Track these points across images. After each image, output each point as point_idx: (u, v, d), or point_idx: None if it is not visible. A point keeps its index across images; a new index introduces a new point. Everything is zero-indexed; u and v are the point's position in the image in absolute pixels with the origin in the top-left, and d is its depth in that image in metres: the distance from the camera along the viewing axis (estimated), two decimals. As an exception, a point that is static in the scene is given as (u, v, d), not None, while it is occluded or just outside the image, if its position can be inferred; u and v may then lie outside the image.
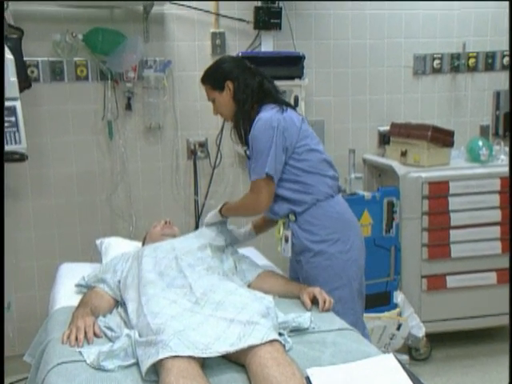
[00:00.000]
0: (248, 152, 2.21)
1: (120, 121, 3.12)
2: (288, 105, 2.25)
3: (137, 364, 1.59)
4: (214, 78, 2.25)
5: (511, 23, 2.92)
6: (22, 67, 2.70)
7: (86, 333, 1.75)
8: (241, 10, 3.20)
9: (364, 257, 2.28)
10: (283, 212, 2.23)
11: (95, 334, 1.77)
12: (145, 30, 3.07)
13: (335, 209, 2.22)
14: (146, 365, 1.52)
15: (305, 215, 2.20)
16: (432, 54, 3.49)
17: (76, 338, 1.73)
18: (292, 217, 2.22)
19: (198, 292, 1.85)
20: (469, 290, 3.08)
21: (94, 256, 2.83)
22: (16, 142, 2.51)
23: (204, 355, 1.54)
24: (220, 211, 2.36)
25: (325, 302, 2.00)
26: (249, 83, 2.20)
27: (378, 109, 3.50)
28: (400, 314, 2.92)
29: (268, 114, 2.13)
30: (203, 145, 3.26)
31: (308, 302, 2.01)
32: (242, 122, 2.22)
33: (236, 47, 3.20)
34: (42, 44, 2.95)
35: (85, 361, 1.62)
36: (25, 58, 2.80)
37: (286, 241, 2.26)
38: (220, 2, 3.17)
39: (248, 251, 2.62)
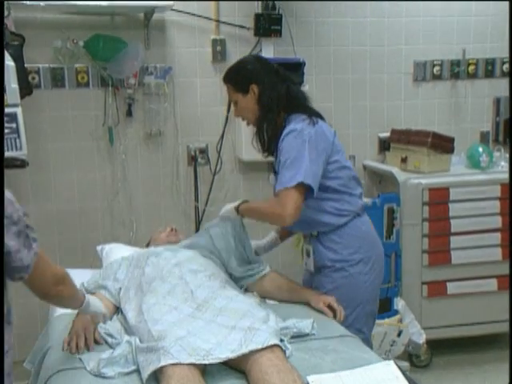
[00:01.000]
0: (274, 165, 2.09)
1: (121, 127, 3.13)
2: (318, 115, 2.11)
3: (137, 371, 1.59)
4: (237, 79, 2.11)
5: (511, 23, 2.92)
6: (23, 74, 2.71)
7: (86, 339, 1.75)
8: (241, 16, 3.21)
9: (382, 278, 2.20)
10: (307, 231, 2.16)
11: (95, 341, 1.76)
12: (146, 37, 3.08)
13: (361, 229, 2.12)
14: (146, 371, 1.52)
15: (330, 234, 2.10)
16: (432, 60, 3.50)
17: (76, 345, 1.73)
18: (314, 232, 2.14)
19: (199, 298, 1.85)
20: (469, 296, 3.08)
21: (95, 262, 2.83)
22: (17, 149, 2.52)
23: (205, 362, 1.54)
24: (237, 208, 2.19)
25: (338, 312, 2.01)
26: (275, 88, 2.06)
27: (379, 115, 3.51)
28: (401, 321, 2.91)
29: (298, 126, 1.99)
30: (204, 151, 3.27)
31: (328, 312, 2.00)
32: (267, 129, 2.08)
33: (237, 54, 3.20)
34: (43, 50, 2.96)
35: (85, 368, 1.62)
36: (26, 65, 2.81)
37: (308, 255, 2.18)
38: (220, 9, 3.18)
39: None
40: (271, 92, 2.05)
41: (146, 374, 1.52)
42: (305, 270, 2.26)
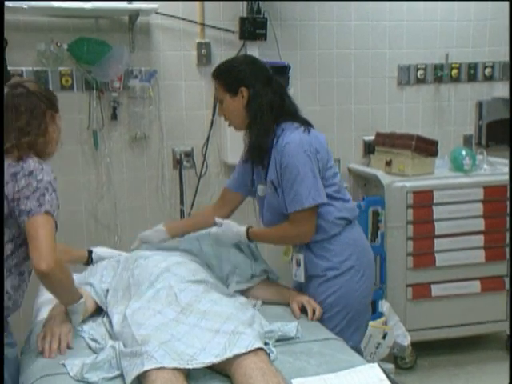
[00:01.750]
0: (273, 180, 2.03)
1: (105, 131, 3.11)
2: (308, 124, 2.07)
3: (121, 376, 1.58)
4: (227, 79, 2.03)
5: (511, 23, 2.94)
6: (5, 76, 2.69)
7: (60, 341, 1.73)
8: (226, 20, 3.21)
9: (373, 286, 2.18)
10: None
11: (68, 346, 1.74)
12: (130, 40, 3.08)
13: (353, 236, 2.10)
14: (130, 376, 1.51)
15: (321, 241, 2.07)
16: (416, 64, 3.52)
17: (50, 347, 1.70)
18: None
19: (183, 302, 1.84)
20: (453, 298, 3.10)
21: (79, 266, 2.80)
22: (-1, 152, 2.50)
23: (189, 366, 1.53)
24: (247, 233, 2.11)
25: (314, 312, 2.00)
26: (266, 96, 1.99)
27: (363, 118, 3.53)
28: (385, 323, 2.92)
29: (295, 137, 1.96)
30: (189, 154, 3.26)
31: (297, 311, 2.00)
32: (257, 136, 2.01)
33: (222, 57, 3.18)
34: (26, 53, 2.94)
35: (68, 373, 1.60)
36: (9, 68, 2.79)
37: (298, 265, 2.12)
38: (206, 13, 3.18)
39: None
40: (261, 99, 1.99)
41: (129, 378, 1.51)
42: (294, 280, 2.19)
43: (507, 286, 3.12)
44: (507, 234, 3.10)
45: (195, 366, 1.54)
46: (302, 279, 2.11)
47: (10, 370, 1.71)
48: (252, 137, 2.03)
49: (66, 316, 1.81)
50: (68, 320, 1.80)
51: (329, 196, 2.02)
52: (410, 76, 3.53)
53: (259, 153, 2.04)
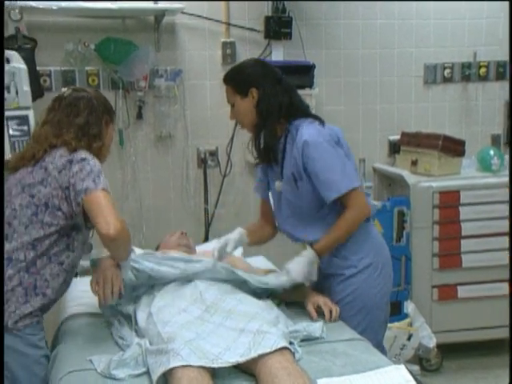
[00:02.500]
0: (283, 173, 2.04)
1: (131, 129, 3.14)
2: (320, 119, 2.06)
3: (147, 373, 1.59)
4: (237, 81, 2.05)
5: (511, 23, 2.90)
6: (34, 77, 2.74)
7: (112, 286, 1.75)
8: (251, 19, 3.22)
9: (391, 283, 2.14)
10: (316, 238, 2.03)
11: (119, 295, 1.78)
12: (156, 40, 3.10)
13: (370, 233, 2.08)
14: (156, 373, 1.52)
15: None
16: (443, 63, 3.48)
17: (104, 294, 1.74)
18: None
19: (208, 300, 1.85)
20: (480, 300, 3.05)
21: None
22: (28, 151, 2.54)
23: (214, 365, 1.53)
24: (317, 253, 1.99)
25: (331, 312, 1.97)
26: (276, 96, 2.01)
27: (389, 118, 3.50)
28: (410, 324, 2.90)
29: (313, 129, 1.97)
30: (213, 153, 3.27)
31: (313, 313, 1.97)
32: (265, 136, 2.03)
33: (246, 56, 3.19)
34: (54, 54, 2.98)
35: (95, 369, 1.62)
36: (38, 68, 2.83)
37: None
38: (231, 12, 3.19)
39: (257, 260, 2.62)
40: (271, 99, 2.01)
41: (155, 376, 1.52)
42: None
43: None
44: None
45: (220, 365, 1.54)
46: (315, 279, 2.04)
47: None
48: (258, 134, 2.05)
49: (116, 268, 1.83)
50: (118, 270, 1.83)
51: None
52: (436, 75, 3.49)
53: (269, 151, 2.05)
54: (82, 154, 1.75)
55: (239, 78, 2.05)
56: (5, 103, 2.45)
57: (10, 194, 1.76)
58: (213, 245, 2.19)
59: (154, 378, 1.52)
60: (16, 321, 1.68)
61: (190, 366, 1.49)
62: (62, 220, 1.73)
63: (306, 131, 1.97)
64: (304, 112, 2.08)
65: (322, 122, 2.02)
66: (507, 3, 3.37)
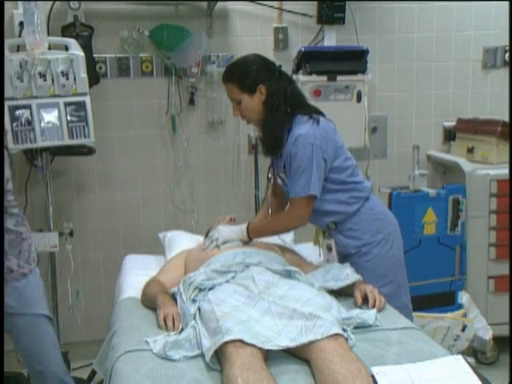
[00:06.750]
0: (283, 166, 2.16)
1: (183, 115, 3.17)
2: (318, 112, 2.18)
3: (202, 355, 1.61)
4: (243, 80, 2.11)
5: (511, 23, 2.84)
6: (91, 64, 2.79)
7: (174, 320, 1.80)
8: (304, 4, 3.18)
9: (402, 245, 2.28)
10: (324, 225, 2.24)
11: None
12: (208, 26, 3.10)
13: (374, 210, 2.21)
14: (210, 350, 1.54)
15: (347, 223, 2.19)
16: (504, 46, 3.35)
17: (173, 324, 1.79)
18: (332, 225, 2.22)
19: (261, 284, 1.85)
20: (539, 292, 2.95)
21: (157, 248, 2.89)
22: (85, 136, 2.60)
23: (265, 347, 1.54)
24: (248, 231, 2.21)
25: (375, 301, 1.94)
26: (281, 88, 2.12)
27: (444, 104, 3.40)
28: (465, 315, 2.83)
29: (305, 130, 2.07)
30: (264, 140, 3.27)
31: (359, 299, 1.94)
32: (273, 130, 2.13)
33: (299, 42, 3.18)
34: (110, 41, 3.02)
35: (151, 350, 1.65)
36: (94, 55, 2.89)
37: (330, 250, 2.24)
38: (283, -3, 3.16)
39: (305, 247, 2.60)
40: (278, 93, 2.10)
41: (209, 352, 1.54)
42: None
43: None
44: None
45: (270, 347, 1.55)
46: (336, 261, 2.20)
47: None
48: (267, 129, 2.14)
49: (171, 301, 1.91)
50: (174, 304, 1.89)
51: (342, 182, 2.16)
52: (496, 58, 3.37)
53: (275, 144, 2.15)
54: None
55: (245, 77, 2.12)
56: (63, 89, 2.52)
57: None
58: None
59: (208, 355, 1.55)
60: None
61: (243, 345, 1.50)
62: None
63: (300, 130, 2.07)
64: (305, 104, 2.19)
65: (317, 120, 2.09)
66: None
